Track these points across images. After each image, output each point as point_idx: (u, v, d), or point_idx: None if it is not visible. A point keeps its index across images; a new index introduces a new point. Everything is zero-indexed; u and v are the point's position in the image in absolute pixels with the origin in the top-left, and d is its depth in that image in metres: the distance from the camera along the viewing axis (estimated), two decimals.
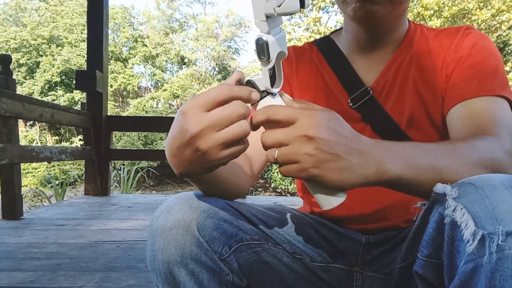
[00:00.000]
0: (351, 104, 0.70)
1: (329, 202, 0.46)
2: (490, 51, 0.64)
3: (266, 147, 0.45)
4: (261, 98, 0.47)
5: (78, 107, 5.82)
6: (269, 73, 0.46)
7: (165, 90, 14.13)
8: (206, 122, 0.41)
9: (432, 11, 8.35)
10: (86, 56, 3.41)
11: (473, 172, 0.45)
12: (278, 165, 0.45)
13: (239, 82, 0.46)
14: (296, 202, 2.59)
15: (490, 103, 0.59)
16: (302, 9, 0.42)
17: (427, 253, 0.45)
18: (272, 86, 0.47)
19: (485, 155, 0.48)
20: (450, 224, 0.39)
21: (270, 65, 0.45)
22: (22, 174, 5.28)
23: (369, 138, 0.45)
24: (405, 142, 0.48)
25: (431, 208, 0.44)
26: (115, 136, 9.16)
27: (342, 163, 0.42)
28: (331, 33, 0.81)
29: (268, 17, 0.42)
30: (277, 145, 0.43)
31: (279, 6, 0.41)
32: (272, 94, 0.47)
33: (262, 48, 0.44)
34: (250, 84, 0.47)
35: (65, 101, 12.63)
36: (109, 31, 6.22)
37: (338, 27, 0.81)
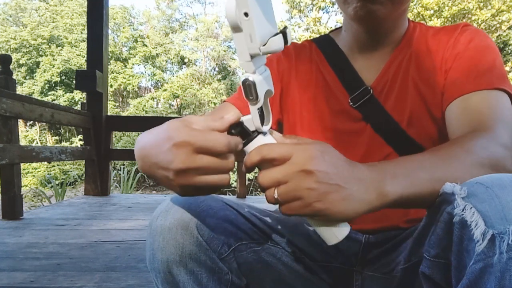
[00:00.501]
0: (351, 103, 0.69)
1: (334, 235, 0.44)
2: (487, 46, 0.63)
3: (264, 188, 0.43)
4: (252, 139, 0.46)
5: (78, 107, 5.82)
6: (258, 112, 0.45)
7: (165, 90, 14.15)
8: (193, 164, 0.40)
9: (432, 11, 8.36)
10: (86, 56, 3.41)
11: (473, 173, 0.44)
12: (278, 204, 0.43)
13: (233, 122, 0.46)
14: None
15: (488, 96, 0.58)
16: (285, 45, 0.42)
17: (434, 253, 0.44)
18: (261, 124, 0.46)
19: (480, 153, 0.47)
20: (459, 224, 0.38)
21: (259, 105, 0.45)
22: (22, 174, 5.29)
23: (362, 164, 0.44)
24: (397, 159, 0.47)
25: (438, 208, 0.43)
26: (115, 136, 9.17)
27: (344, 192, 0.41)
28: (330, 31, 0.80)
29: (252, 57, 0.42)
30: (276, 184, 0.42)
31: (264, 45, 0.41)
32: (263, 133, 0.47)
33: (249, 89, 0.43)
34: (241, 125, 0.46)
35: (65, 101, 12.65)
36: (109, 31, 6.23)
37: (338, 27, 0.80)
